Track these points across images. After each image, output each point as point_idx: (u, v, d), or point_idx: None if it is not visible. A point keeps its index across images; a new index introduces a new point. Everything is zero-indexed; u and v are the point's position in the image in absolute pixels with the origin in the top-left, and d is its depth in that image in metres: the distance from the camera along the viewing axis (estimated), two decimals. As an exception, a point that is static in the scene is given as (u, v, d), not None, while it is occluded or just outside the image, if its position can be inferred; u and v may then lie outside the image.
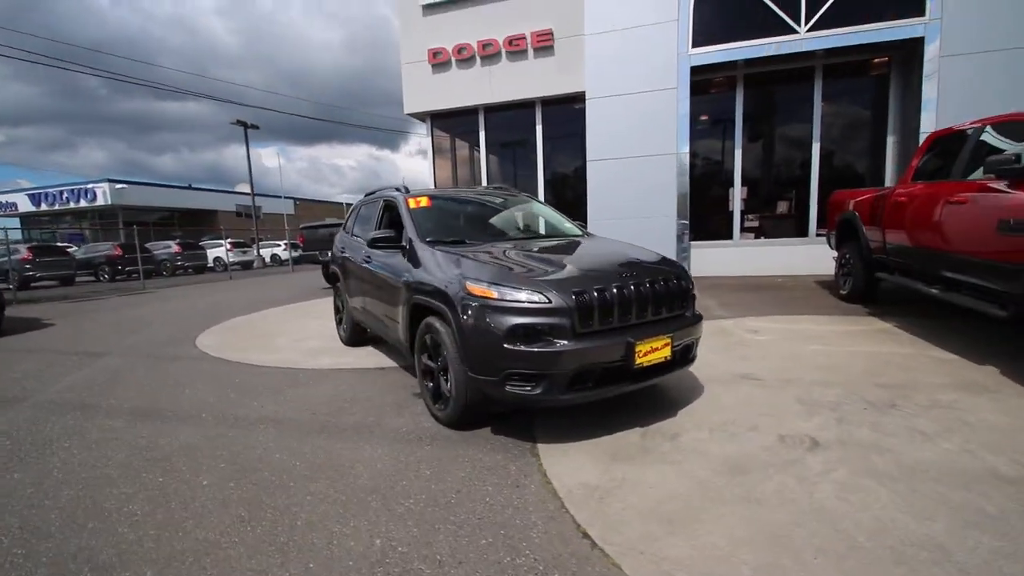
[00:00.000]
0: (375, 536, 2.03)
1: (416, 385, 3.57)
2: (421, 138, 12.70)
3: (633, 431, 2.83)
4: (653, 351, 2.67)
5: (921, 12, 7.32)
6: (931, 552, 1.74)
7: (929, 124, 7.37)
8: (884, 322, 5.00)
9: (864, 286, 5.82)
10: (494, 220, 4.25)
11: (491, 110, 10.47)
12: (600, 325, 2.62)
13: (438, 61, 10.19)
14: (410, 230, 3.58)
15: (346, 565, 1.86)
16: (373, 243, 3.61)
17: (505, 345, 2.51)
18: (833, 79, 8.66)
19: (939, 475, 2.22)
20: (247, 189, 30.56)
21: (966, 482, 2.16)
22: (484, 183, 10.87)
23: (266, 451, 2.87)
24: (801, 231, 9.02)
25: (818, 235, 8.69)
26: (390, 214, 4.15)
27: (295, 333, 6.24)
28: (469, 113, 10.66)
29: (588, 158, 9.07)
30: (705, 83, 9.02)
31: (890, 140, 8.43)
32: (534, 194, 9.74)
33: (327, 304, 8.47)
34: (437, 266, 3.08)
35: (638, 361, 2.62)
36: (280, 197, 42.35)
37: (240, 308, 8.86)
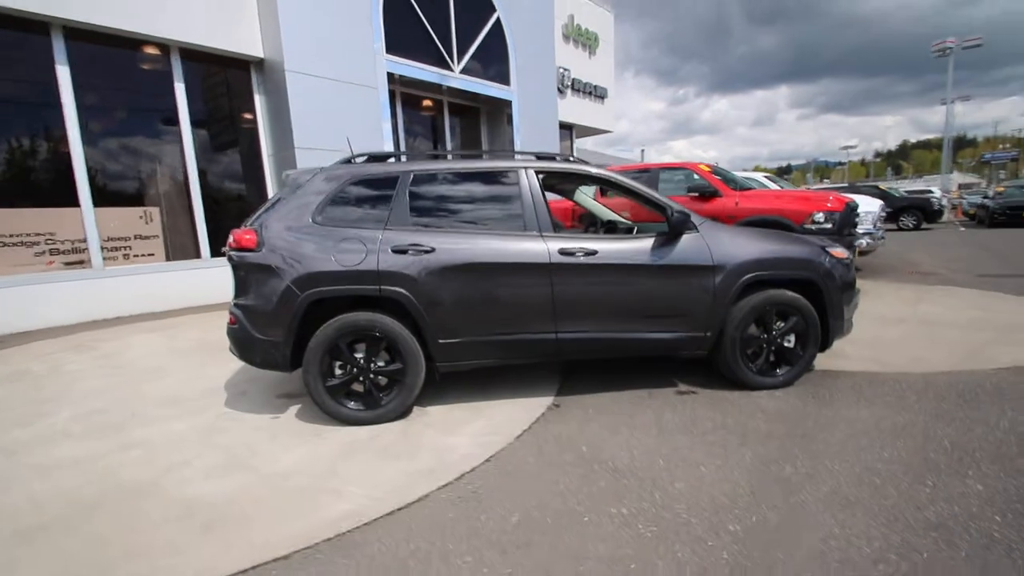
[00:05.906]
0: None
1: (652, 392, 3.41)
2: None
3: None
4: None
5: (508, 83, 10.89)
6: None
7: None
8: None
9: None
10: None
11: (79, 36, 6.19)
12: None
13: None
14: (681, 209, 3.22)
15: None
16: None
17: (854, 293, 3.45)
18: (452, 113, 11.08)
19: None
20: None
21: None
22: (79, 154, 6.29)
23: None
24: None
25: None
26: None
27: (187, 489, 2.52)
28: (30, 28, 5.84)
29: (296, 145, 7.38)
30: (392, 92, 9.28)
31: (485, 166, 11.81)
32: (182, 187, 6.99)
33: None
34: (765, 240, 3.29)
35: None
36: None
37: None
